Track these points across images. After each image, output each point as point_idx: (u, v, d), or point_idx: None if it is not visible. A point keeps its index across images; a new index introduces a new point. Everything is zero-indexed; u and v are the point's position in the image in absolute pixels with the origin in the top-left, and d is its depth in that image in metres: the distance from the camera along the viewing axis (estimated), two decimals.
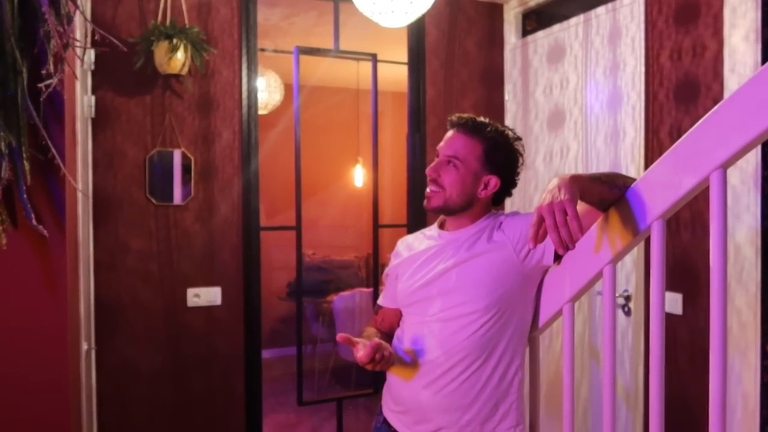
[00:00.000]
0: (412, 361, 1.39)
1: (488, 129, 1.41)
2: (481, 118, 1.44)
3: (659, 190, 1.05)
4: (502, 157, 1.42)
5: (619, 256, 1.16)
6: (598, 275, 1.19)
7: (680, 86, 2.17)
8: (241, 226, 2.63)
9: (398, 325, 1.52)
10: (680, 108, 2.17)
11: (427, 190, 1.43)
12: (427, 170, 1.42)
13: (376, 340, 1.30)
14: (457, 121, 1.43)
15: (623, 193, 1.13)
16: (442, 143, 1.43)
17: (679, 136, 2.20)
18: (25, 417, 1.41)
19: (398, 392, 1.43)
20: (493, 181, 1.42)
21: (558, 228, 1.05)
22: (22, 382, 1.41)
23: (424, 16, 2.51)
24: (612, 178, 1.16)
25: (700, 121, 0.97)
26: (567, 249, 1.08)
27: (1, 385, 1.39)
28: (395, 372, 1.43)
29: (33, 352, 1.41)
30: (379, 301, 1.62)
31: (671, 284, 2.14)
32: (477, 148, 1.40)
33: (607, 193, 1.14)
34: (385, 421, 1.49)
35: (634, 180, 1.15)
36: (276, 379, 4.54)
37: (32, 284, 1.40)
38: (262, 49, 2.76)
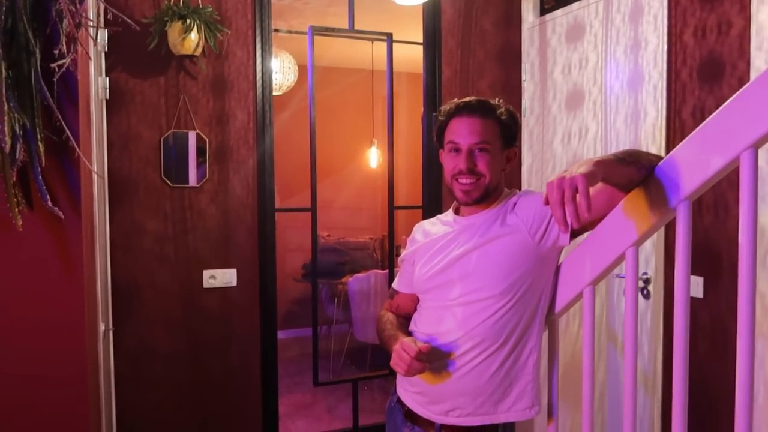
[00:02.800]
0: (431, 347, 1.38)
1: (498, 108, 1.42)
2: (482, 98, 1.43)
3: (686, 171, 1.02)
4: (515, 128, 1.45)
5: (642, 239, 1.13)
6: (621, 258, 1.17)
7: (704, 65, 2.11)
8: (256, 208, 2.62)
9: (414, 310, 1.51)
10: (704, 87, 2.11)
11: (462, 183, 1.38)
12: (460, 164, 1.37)
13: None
14: (470, 105, 1.40)
15: (649, 173, 1.10)
16: (457, 134, 1.39)
17: (702, 117, 2.15)
18: (44, 396, 1.43)
19: None
20: (513, 153, 1.46)
21: (564, 203, 0.99)
22: (41, 362, 1.42)
23: None
24: (637, 158, 1.12)
25: (731, 98, 0.93)
26: (568, 227, 1.01)
27: (21, 366, 1.41)
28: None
29: (51, 332, 1.42)
30: (395, 286, 1.61)
31: (692, 267, 2.09)
32: (496, 128, 1.40)
33: (634, 174, 1.10)
34: (399, 400, 1.50)
35: (659, 158, 1.11)
36: (292, 359, 4.58)
37: (49, 265, 1.40)
38: (276, 30, 2.73)
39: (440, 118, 1.45)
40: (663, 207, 1.06)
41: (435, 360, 1.36)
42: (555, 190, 1.00)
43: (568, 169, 1.05)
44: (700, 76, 2.12)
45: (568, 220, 1.00)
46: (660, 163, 1.09)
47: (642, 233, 1.10)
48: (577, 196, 0.99)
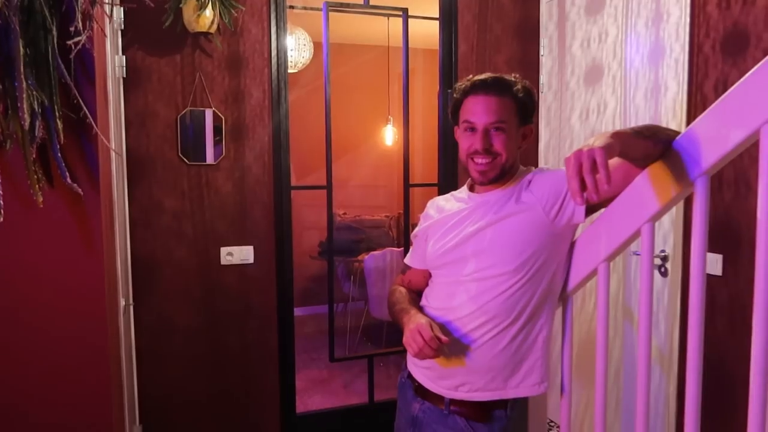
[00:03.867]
0: (435, 320, 1.38)
1: (515, 84, 1.38)
2: (498, 75, 1.39)
3: (705, 145, 1.00)
4: (532, 105, 1.42)
5: (659, 214, 1.11)
6: (636, 234, 1.16)
7: (728, 37, 2.06)
8: (272, 186, 2.63)
9: (425, 286, 1.52)
10: (727, 60, 2.06)
11: (477, 163, 1.37)
12: (476, 144, 1.36)
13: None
14: (486, 83, 1.37)
15: (667, 148, 1.08)
16: (473, 113, 1.37)
17: (725, 90, 2.10)
18: (68, 370, 1.46)
19: None
20: (529, 130, 1.44)
21: (582, 175, 0.97)
22: (64, 337, 1.45)
23: None
24: (654, 132, 1.10)
25: (752, 71, 0.91)
26: (584, 200, 0.99)
27: (45, 341, 1.44)
28: None
29: (73, 307, 1.45)
30: (407, 261, 1.61)
31: (711, 245, 2.08)
32: (512, 106, 1.37)
33: (651, 149, 1.08)
34: (409, 375, 1.51)
35: (677, 133, 1.09)
36: (308, 336, 4.63)
37: (69, 242, 1.43)
38: (291, 6, 2.71)
39: (455, 95, 1.43)
40: (680, 182, 1.04)
41: (445, 334, 1.36)
42: (573, 162, 0.99)
43: (585, 144, 1.04)
44: (724, 49, 2.07)
45: (586, 194, 0.98)
46: (678, 137, 1.07)
47: (657, 209, 1.09)
48: (597, 167, 0.97)
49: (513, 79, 1.40)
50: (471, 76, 1.42)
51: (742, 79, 0.93)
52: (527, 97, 1.40)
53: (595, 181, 0.97)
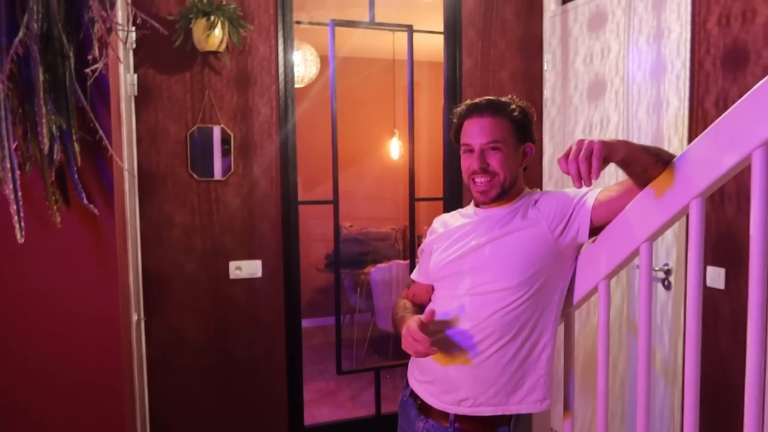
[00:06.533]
0: (437, 333, 1.41)
1: (509, 105, 1.43)
2: (492, 97, 1.45)
3: (699, 168, 1.03)
4: (528, 123, 1.46)
5: (656, 234, 1.15)
6: (635, 253, 1.19)
7: (728, 54, 2.09)
8: (280, 200, 2.68)
9: (429, 301, 1.55)
10: (728, 77, 2.09)
11: (477, 183, 1.42)
12: (472, 165, 1.41)
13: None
14: (479, 106, 1.42)
15: (665, 169, 1.12)
16: (470, 135, 1.42)
17: (725, 107, 2.13)
18: (84, 382, 1.50)
19: (426, 363, 1.46)
20: (529, 148, 1.47)
21: (578, 161, 1.05)
22: (80, 351, 1.50)
23: None
24: (659, 152, 1.16)
25: (743, 97, 0.94)
26: (581, 184, 1.07)
27: (62, 355, 1.49)
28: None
29: (89, 323, 1.50)
30: (413, 276, 1.65)
31: (714, 258, 2.10)
32: (508, 125, 1.42)
33: (651, 166, 1.14)
34: (411, 393, 1.53)
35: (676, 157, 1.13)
36: (316, 348, 4.66)
37: (85, 260, 1.47)
38: (298, 22, 2.77)
39: (454, 120, 1.49)
40: (676, 203, 1.07)
41: (448, 348, 1.40)
42: (574, 148, 1.08)
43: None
44: (724, 65, 2.10)
45: (582, 178, 1.06)
46: (676, 159, 1.11)
47: (655, 229, 1.12)
48: (592, 156, 1.05)
49: (508, 100, 1.45)
50: (468, 100, 1.47)
51: (734, 105, 0.96)
52: (523, 116, 1.44)
53: (588, 169, 1.04)
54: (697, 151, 1.04)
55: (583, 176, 1.05)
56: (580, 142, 1.07)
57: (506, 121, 1.41)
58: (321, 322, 5.04)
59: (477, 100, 1.44)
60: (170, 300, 2.56)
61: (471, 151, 1.42)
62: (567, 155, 1.08)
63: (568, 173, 1.08)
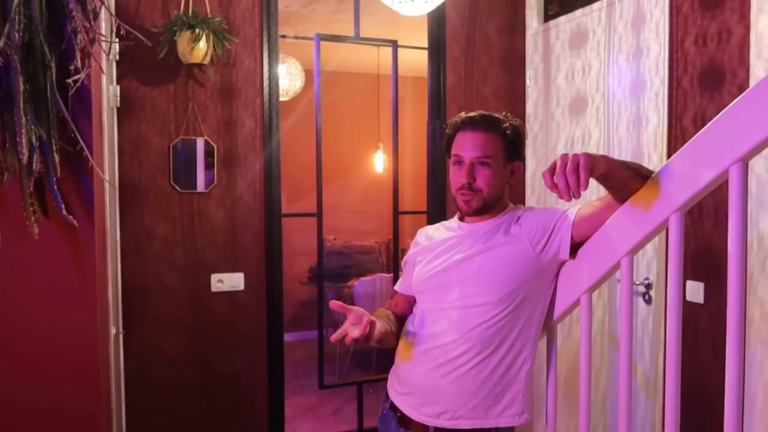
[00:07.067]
0: (418, 345, 1.43)
1: (503, 122, 1.45)
2: (487, 112, 1.47)
3: (678, 183, 1.05)
4: (519, 142, 1.49)
5: (636, 248, 1.16)
6: (616, 266, 1.20)
7: (705, 72, 2.14)
8: (263, 213, 2.66)
9: (410, 311, 1.56)
10: (705, 95, 2.14)
11: (462, 195, 1.43)
12: (462, 179, 1.42)
13: (370, 318, 1.36)
14: (474, 120, 1.44)
15: (644, 184, 1.14)
16: (461, 147, 1.44)
17: (703, 124, 2.17)
18: (58, 398, 1.47)
19: (406, 374, 1.47)
20: (517, 166, 1.49)
21: (565, 174, 1.06)
22: (56, 365, 1.47)
23: (444, 1, 2.49)
24: (638, 167, 1.18)
25: (720, 113, 0.97)
26: (570, 197, 1.08)
27: (37, 369, 1.45)
28: (400, 354, 1.49)
29: (65, 337, 1.47)
30: (396, 287, 1.65)
31: (693, 273, 2.13)
32: (500, 142, 1.44)
33: (631, 181, 1.16)
34: (391, 406, 1.53)
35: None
36: (298, 362, 4.62)
37: (63, 272, 1.45)
38: (283, 36, 2.78)
39: (447, 130, 1.51)
40: (655, 217, 1.09)
41: (426, 361, 1.40)
42: (559, 162, 1.09)
43: None
44: (701, 84, 2.15)
45: (571, 191, 1.07)
46: (655, 174, 1.12)
47: (635, 243, 1.14)
48: (579, 168, 1.06)
49: (502, 117, 1.47)
50: (463, 113, 1.49)
51: (711, 121, 0.98)
52: (515, 134, 1.47)
53: (577, 180, 1.06)
54: (676, 167, 1.06)
55: (572, 188, 1.06)
56: (564, 156, 1.09)
57: (498, 137, 1.43)
58: (303, 335, 5.00)
59: (472, 113, 1.46)
60: (150, 313, 2.52)
61: (461, 162, 1.44)
62: (552, 169, 1.09)
63: (553, 188, 1.09)
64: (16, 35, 1.26)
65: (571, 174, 1.06)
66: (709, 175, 0.98)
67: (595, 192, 2.44)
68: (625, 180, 1.16)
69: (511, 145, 1.45)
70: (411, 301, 1.57)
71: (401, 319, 1.57)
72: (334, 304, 1.35)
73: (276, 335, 2.71)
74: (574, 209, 1.35)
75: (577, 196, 1.08)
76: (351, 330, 1.32)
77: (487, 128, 1.43)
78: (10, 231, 1.38)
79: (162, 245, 2.53)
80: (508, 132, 1.44)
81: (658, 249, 2.29)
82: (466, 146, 1.43)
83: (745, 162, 0.94)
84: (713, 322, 2.08)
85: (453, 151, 1.47)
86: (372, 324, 1.35)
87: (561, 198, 1.09)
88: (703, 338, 2.11)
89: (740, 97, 0.94)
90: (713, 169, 0.97)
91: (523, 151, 1.51)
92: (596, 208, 1.29)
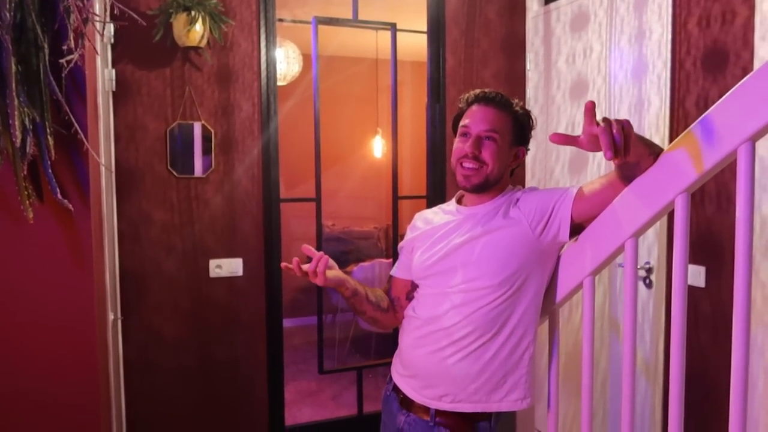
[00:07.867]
0: (421, 328, 1.43)
1: (515, 104, 1.45)
2: (502, 93, 1.46)
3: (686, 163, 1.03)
4: (528, 128, 1.48)
5: (642, 230, 1.14)
6: (620, 249, 1.19)
7: (708, 54, 2.11)
8: (262, 198, 2.64)
9: (405, 295, 1.56)
10: (708, 77, 2.11)
11: (464, 167, 1.41)
12: (466, 148, 1.40)
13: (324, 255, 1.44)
14: (487, 96, 1.43)
15: (653, 163, 1.12)
16: (470, 120, 1.42)
17: (706, 106, 2.15)
18: (57, 384, 1.46)
19: (408, 357, 1.47)
20: (522, 152, 1.49)
21: (613, 132, 1.07)
22: (54, 351, 1.45)
23: None
24: (652, 144, 1.16)
25: (728, 92, 0.94)
26: (616, 155, 1.07)
27: (35, 355, 1.44)
28: (403, 337, 1.50)
29: (63, 322, 1.45)
30: (392, 272, 1.64)
31: (694, 257, 2.12)
32: (509, 122, 1.43)
33: (645, 157, 1.13)
34: (394, 388, 1.53)
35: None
36: (297, 347, 4.62)
37: (59, 257, 1.43)
38: (281, 20, 2.74)
39: (459, 105, 1.49)
40: (662, 198, 1.07)
41: (429, 343, 1.40)
42: (612, 122, 1.08)
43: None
44: (704, 66, 2.12)
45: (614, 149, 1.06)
46: (662, 154, 1.11)
47: (640, 224, 1.12)
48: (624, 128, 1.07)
49: (514, 101, 1.46)
50: (477, 89, 1.47)
51: (719, 101, 0.96)
52: (525, 119, 1.46)
53: (623, 139, 1.06)
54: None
55: (619, 147, 1.06)
56: (609, 120, 1.08)
57: (509, 117, 1.43)
58: (303, 321, 5.00)
59: (487, 90, 1.45)
60: (148, 299, 2.51)
61: (467, 134, 1.42)
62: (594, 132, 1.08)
63: (590, 149, 1.11)
64: (8, 15, 1.23)
65: (619, 134, 1.07)
66: (718, 155, 0.96)
67: (595, 173, 2.42)
68: (639, 155, 1.13)
69: (519, 127, 1.44)
70: (407, 285, 1.56)
71: (392, 300, 1.58)
72: (306, 248, 1.45)
73: (275, 321, 2.70)
74: (573, 189, 1.33)
75: (624, 155, 1.07)
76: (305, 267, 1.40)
77: (499, 106, 1.42)
78: (4, 215, 1.36)
79: (160, 231, 2.51)
80: (519, 113, 1.44)
81: (659, 233, 2.28)
82: (476, 119, 1.41)
83: (753, 141, 0.92)
84: (714, 306, 2.07)
85: (461, 123, 1.45)
86: (325, 261, 1.42)
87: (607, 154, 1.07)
88: (703, 322, 2.11)
89: (748, 76, 0.91)
90: (722, 149, 0.95)
91: (528, 140, 1.49)
92: (599, 185, 1.27)
